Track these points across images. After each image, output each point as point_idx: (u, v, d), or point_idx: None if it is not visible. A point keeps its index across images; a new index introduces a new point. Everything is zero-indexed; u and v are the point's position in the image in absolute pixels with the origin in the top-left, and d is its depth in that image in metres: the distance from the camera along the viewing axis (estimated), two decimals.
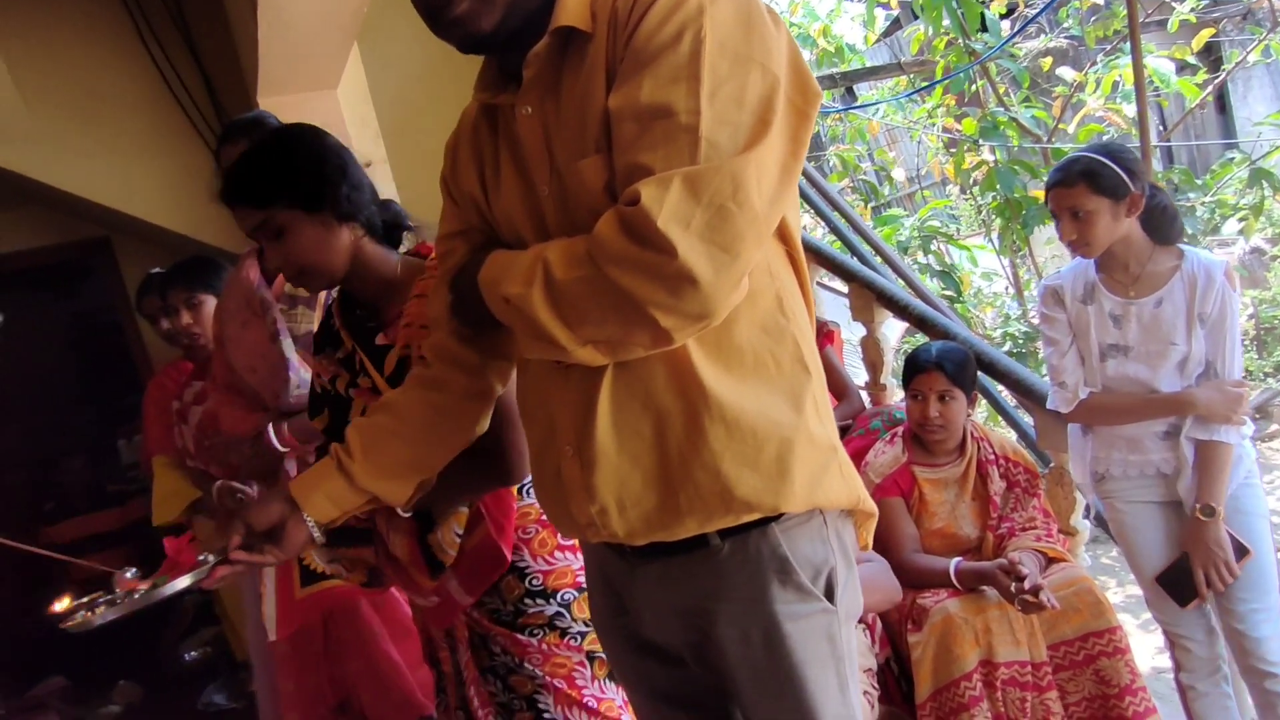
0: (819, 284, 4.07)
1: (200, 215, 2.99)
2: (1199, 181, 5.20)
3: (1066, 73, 5.09)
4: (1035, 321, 4.86)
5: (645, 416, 0.95)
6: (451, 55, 0.99)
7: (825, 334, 2.82)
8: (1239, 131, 7.56)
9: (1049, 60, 5.39)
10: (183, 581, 1.09)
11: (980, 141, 4.82)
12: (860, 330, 2.91)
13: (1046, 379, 2.14)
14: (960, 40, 4.67)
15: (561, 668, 1.37)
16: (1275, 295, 5.74)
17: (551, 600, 1.38)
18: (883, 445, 2.29)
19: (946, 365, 2.11)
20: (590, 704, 1.37)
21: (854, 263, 3.07)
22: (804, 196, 3.76)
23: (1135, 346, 1.93)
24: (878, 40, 7.49)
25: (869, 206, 6.12)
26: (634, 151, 0.85)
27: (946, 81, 4.95)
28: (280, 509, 1.13)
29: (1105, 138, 4.69)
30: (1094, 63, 5.05)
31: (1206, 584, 1.86)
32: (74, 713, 3.39)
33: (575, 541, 1.41)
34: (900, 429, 2.29)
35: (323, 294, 1.84)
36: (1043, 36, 5.50)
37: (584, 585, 1.36)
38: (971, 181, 5.17)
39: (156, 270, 2.69)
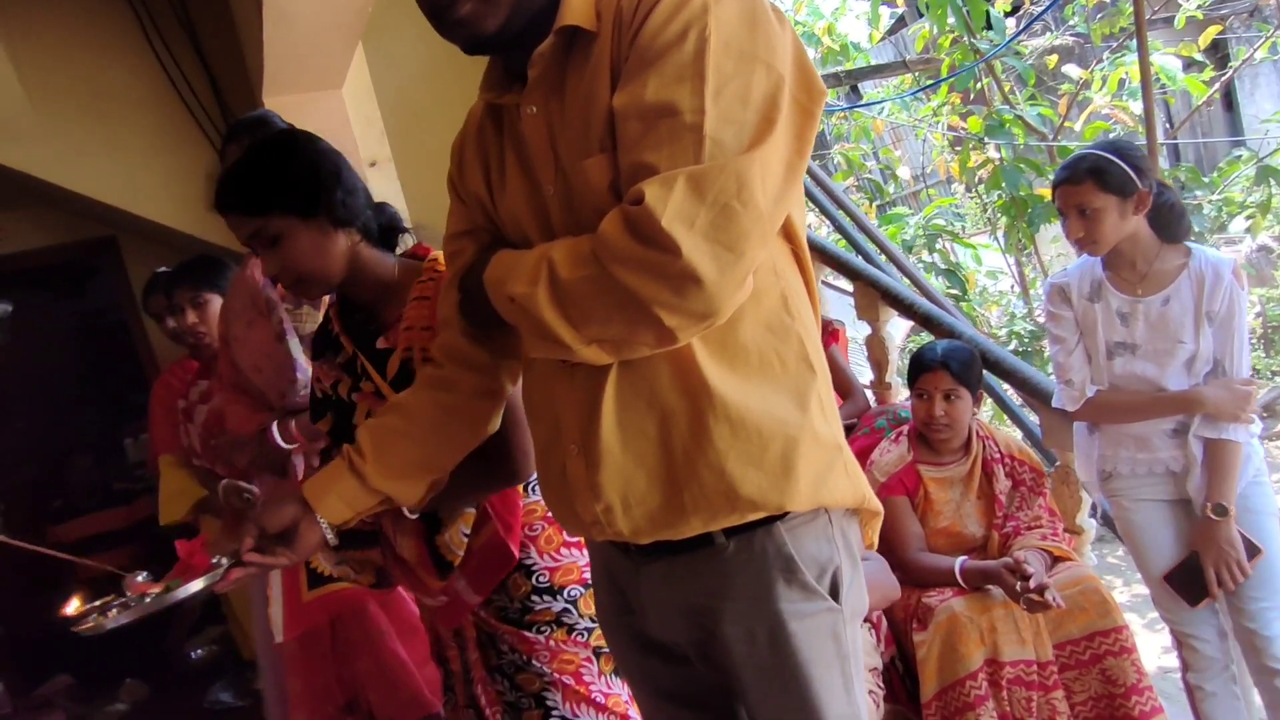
0: (824, 282, 4.06)
1: (206, 215, 3.00)
2: (1206, 179, 5.18)
3: (1072, 70, 5.08)
4: (1041, 320, 4.85)
5: (650, 415, 0.95)
6: (456, 54, 0.99)
7: (830, 333, 2.82)
8: (1246, 129, 7.53)
9: (1054, 58, 5.38)
10: (196, 585, 1.08)
11: (985, 139, 4.81)
12: (865, 329, 2.90)
13: (1052, 377, 2.13)
14: (965, 38, 4.66)
15: (569, 664, 1.37)
16: None
17: (558, 597, 1.38)
18: (888, 444, 2.28)
19: (952, 364, 2.11)
20: (598, 699, 1.37)
21: (859, 261, 3.06)
22: (809, 195, 3.76)
23: (1142, 344, 1.92)
24: (882, 38, 7.48)
25: (874, 205, 6.11)
26: (638, 150, 0.85)
27: (951, 79, 4.95)
28: (293, 511, 1.13)
29: (1111, 135, 4.67)
30: (1100, 60, 5.04)
31: (1218, 583, 1.85)
32: (80, 711, 3.40)
33: (581, 538, 1.41)
34: (905, 428, 2.29)
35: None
36: (1048, 34, 5.48)
37: (590, 581, 1.37)
38: (977, 180, 5.17)
39: (162, 269, 2.70)
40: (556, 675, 1.37)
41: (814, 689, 0.97)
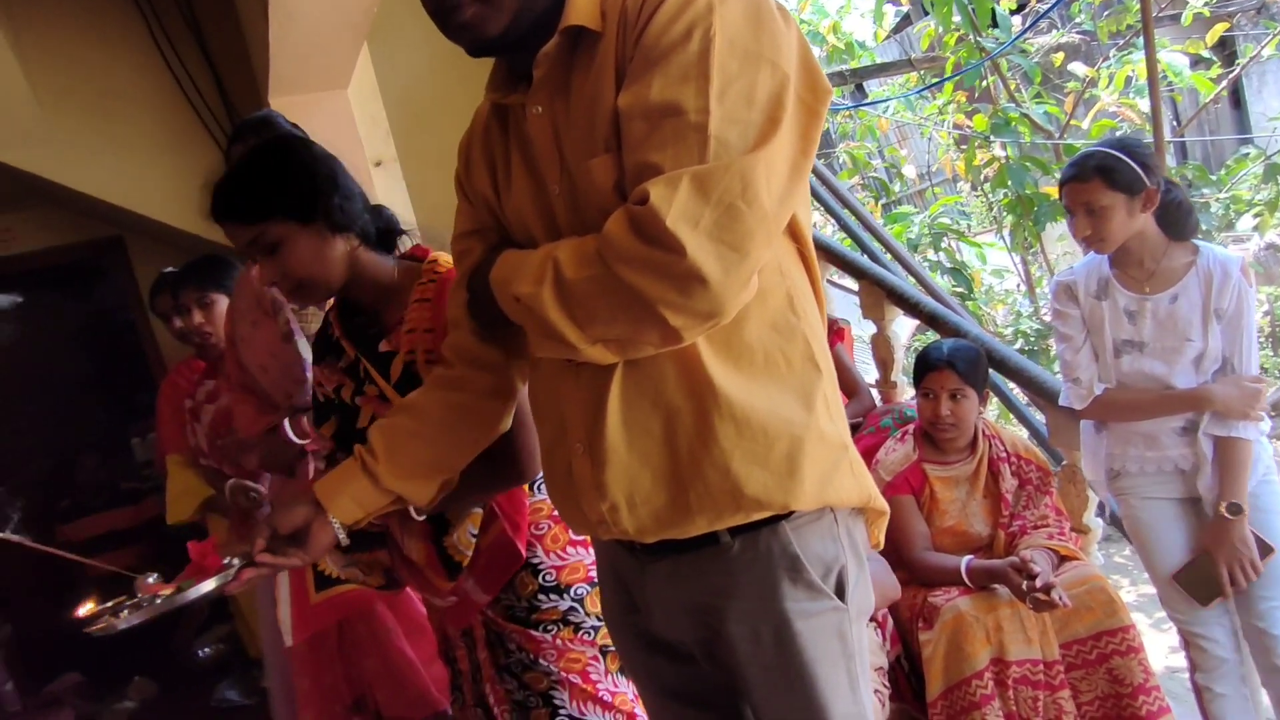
0: (829, 281, 4.05)
1: None
2: (1213, 177, 5.16)
3: (1078, 68, 5.06)
4: (1047, 318, 4.83)
5: (655, 414, 0.95)
6: (460, 54, 1.00)
7: (836, 331, 2.81)
8: (1254, 126, 7.49)
9: (1061, 56, 5.36)
10: (208, 585, 1.09)
11: (991, 138, 4.79)
12: (871, 328, 2.90)
13: (1059, 376, 2.12)
14: (971, 36, 4.65)
15: (576, 663, 1.38)
16: None
17: (565, 595, 1.39)
18: (893, 443, 2.28)
19: (958, 363, 2.10)
20: (605, 698, 1.38)
21: (864, 260, 3.06)
22: (814, 194, 3.76)
23: (1150, 342, 1.91)
24: (887, 37, 7.46)
25: (879, 204, 6.09)
26: (643, 150, 0.85)
27: (957, 78, 4.93)
28: (305, 512, 1.13)
29: (1119, 133, 4.65)
30: (1107, 58, 5.02)
31: (1230, 582, 1.84)
32: (89, 708, 3.42)
33: (587, 537, 1.41)
34: (911, 427, 2.28)
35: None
36: (1054, 32, 5.46)
37: (596, 579, 1.37)
38: (983, 178, 5.15)
39: (169, 269, 2.71)
40: (563, 674, 1.37)
41: (819, 688, 0.97)
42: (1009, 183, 4.61)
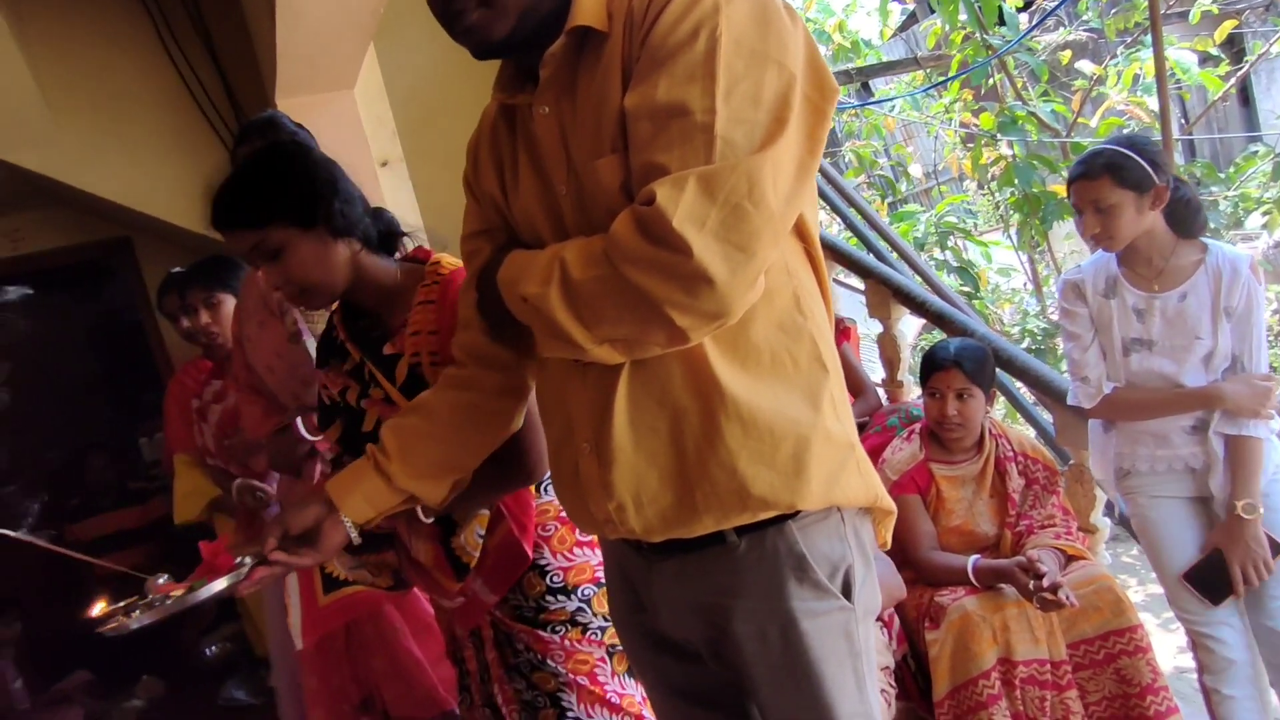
0: (835, 280, 4.05)
1: None
2: (1222, 175, 5.14)
3: (1086, 66, 5.04)
4: (1054, 317, 4.82)
5: (662, 414, 0.95)
6: (467, 54, 1.00)
7: (842, 331, 2.81)
8: (1262, 124, 7.44)
9: (1068, 53, 5.34)
10: (219, 584, 1.09)
11: (998, 136, 4.77)
12: (877, 327, 2.90)
13: (1066, 375, 2.12)
14: (977, 34, 4.63)
15: (584, 664, 1.38)
16: None
17: (572, 596, 1.39)
18: (900, 442, 2.27)
19: (965, 363, 2.10)
20: (613, 700, 1.38)
21: (871, 259, 3.05)
22: (820, 193, 3.74)
23: (1159, 341, 1.91)
24: (893, 35, 7.44)
25: (885, 202, 6.08)
26: (650, 151, 0.85)
27: (963, 76, 4.91)
28: (317, 511, 1.13)
29: (1126, 131, 4.63)
30: (1114, 55, 4.99)
31: (1243, 581, 1.84)
32: (98, 706, 3.43)
33: (594, 538, 1.42)
34: (917, 426, 2.28)
35: None
36: (1061, 29, 5.43)
37: (603, 580, 1.37)
38: (989, 177, 5.13)
39: (176, 270, 2.73)
40: (571, 676, 1.37)
41: (826, 687, 0.97)
42: (1015, 181, 4.60)
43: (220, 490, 2.50)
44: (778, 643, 0.97)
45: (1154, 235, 1.90)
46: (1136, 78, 4.68)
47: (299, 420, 1.81)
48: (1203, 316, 1.86)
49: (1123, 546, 3.82)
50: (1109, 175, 1.85)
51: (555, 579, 1.39)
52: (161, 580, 1.13)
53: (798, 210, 0.90)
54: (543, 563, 1.39)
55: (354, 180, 1.34)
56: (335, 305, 1.43)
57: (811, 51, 0.89)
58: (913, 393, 2.84)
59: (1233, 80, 5.12)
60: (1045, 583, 1.85)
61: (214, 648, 3.70)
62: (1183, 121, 6.28)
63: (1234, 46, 6.41)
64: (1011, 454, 2.18)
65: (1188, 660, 2.11)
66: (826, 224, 5.28)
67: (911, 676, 2.10)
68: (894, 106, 6.02)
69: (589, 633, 1.39)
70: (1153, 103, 4.46)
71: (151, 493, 4.22)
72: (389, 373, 1.31)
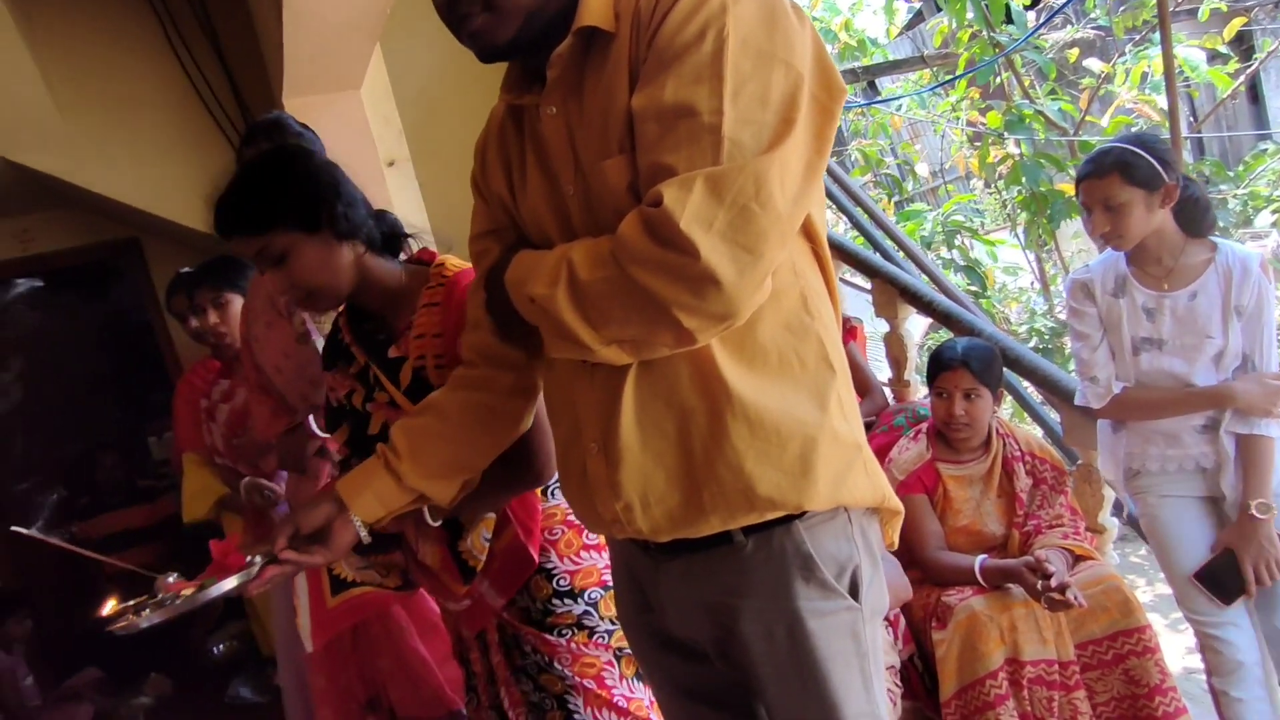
0: (842, 279, 4.04)
1: None
2: (1231, 173, 5.11)
3: (1094, 64, 5.01)
4: (1062, 316, 4.80)
5: (669, 414, 0.95)
6: (473, 55, 1.00)
7: (848, 330, 2.81)
8: (1272, 122, 7.40)
9: (1075, 51, 5.31)
10: (230, 583, 1.09)
11: (1005, 135, 4.75)
12: (884, 326, 2.89)
13: (1073, 375, 2.11)
14: (984, 32, 4.61)
15: (590, 668, 1.38)
16: None
17: (579, 600, 1.39)
18: (906, 442, 2.27)
19: (972, 363, 2.09)
20: (620, 703, 1.38)
21: (877, 258, 3.05)
22: (827, 192, 3.73)
23: (1169, 340, 1.90)
24: (900, 33, 7.41)
25: (892, 201, 6.06)
26: (657, 152, 0.85)
27: (970, 74, 4.89)
28: (327, 510, 1.14)
29: (1135, 129, 4.61)
30: (1122, 53, 4.97)
31: (1255, 580, 1.83)
32: (107, 703, 3.45)
33: (600, 540, 1.42)
34: (924, 425, 2.27)
35: None
36: (1069, 27, 5.41)
37: (609, 583, 1.37)
38: (996, 175, 5.11)
39: (185, 270, 2.74)
40: (578, 679, 1.37)
41: (832, 687, 0.97)
42: (1023, 180, 4.58)
43: (229, 489, 2.51)
44: (784, 642, 0.97)
45: (1163, 234, 1.89)
46: (1145, 75, 4.66)
47: (311, 418, 1.82)
48: (1213, 315, 1.86)
49: (1131, 546, 3.80)
50: (1118, 173, 1.84)
51: (562, 582, 1.39)
52: (171, 579, 1.13)
53: (805, 211, 0.90)
54: (549, 566, 1.39)
55: (360, 181, 1.34)
56: (343, 308, 1.43)
57: (819, 51, 0.89)
58: (919, 392, 2.83)
59: (1242, 78, 5.09)
60: (1053, 583, 1.84)
61: (221, 646, 3.72)
62: (1191, 119, 6.25)
63: (1243, 44, 6.37)
64: (1019, 453, 2.17)
65: (1196, 661, 2.10)
66: (833, 223, 5.27)
67: (918, 676, 2.09)
68: (900, 105, 6.00)
69: (596, 636, 1.39)
70: (1161, 101, 4.44)
71: (160, 491, 4.24)
72: (393, 376, 1.31)
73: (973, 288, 4.80)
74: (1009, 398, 3.15)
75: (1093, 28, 5.36)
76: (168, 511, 3.95)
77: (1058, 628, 1.94)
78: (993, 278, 5.48)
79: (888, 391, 2.85)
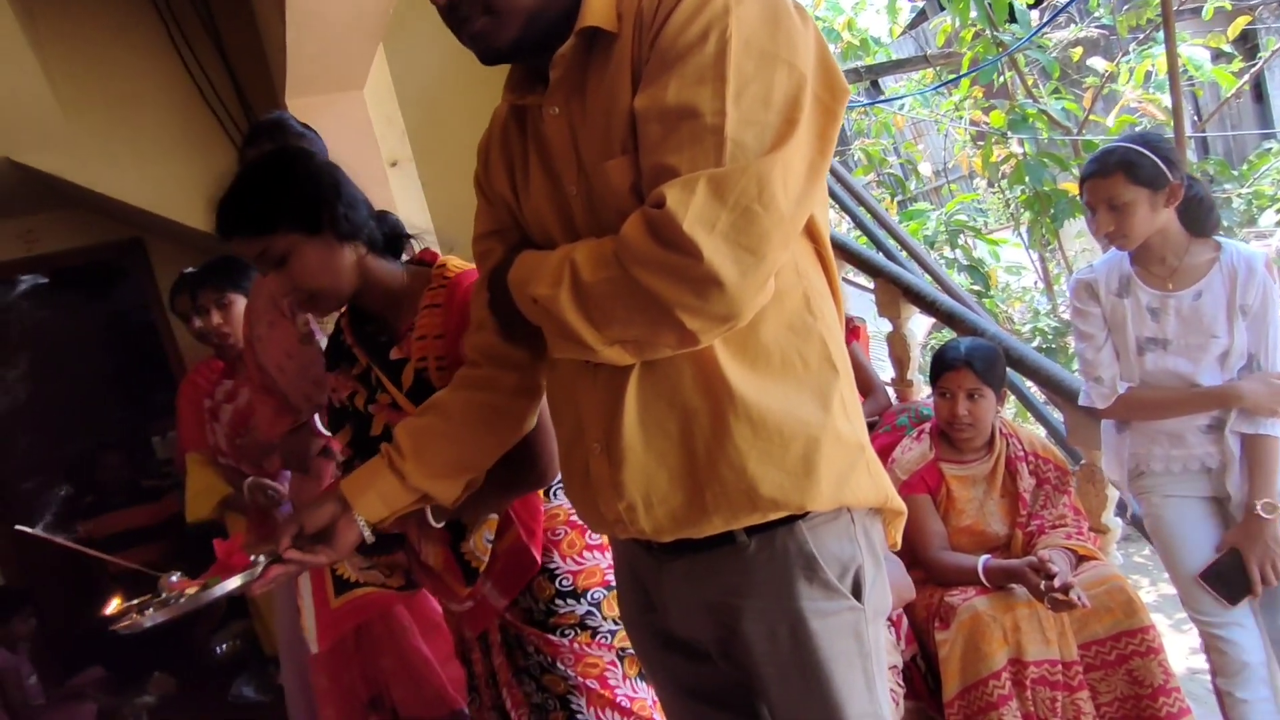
0: (845, 279, 4.03)
1: None
2: (1235, 172, 5.10)
3: (1097, 63, 5.00)
4: (1065, 316, 4.79)
5: (672, 415, 0.95)
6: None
7: (851, 329, 2.80)
8: (1276, 121, 7.38)
9: (1079, 50, 5.30)
10: (233, 582, 1.09)
11: (1008, 134, 4.75)
12: (886, 325, 2.88)
13: (1077, 374, 2.10)
14: (988, 31, 4.61)
15: (594, 668, 1.38)
16: None
17: (582, 600, 1.39)
18: (909, 442, 2.27)
19: (975, 363, 2.09)
20: (623, 704, 1.38)
21: (880, 258, 3.04)
22: (829, 192, 3.73)
23: (1174, 340, 1.90)
24: (903, 33, 7.40)
25: (895, 201, 6.05)
26: (660, 153, 0.85)
27: (974, 73, 4.88)
28: (331, 509, 1.14)
29: (1139, 129, 4.60)
30: (1126, 52, 4.96)
31: (1262, 580, 1.83)
32: (111, 702, 3.47)
33: (603, 540, 1.42)
34: (927, 425, 2.27)
35: None
36: (1073, 26, 5.40)
37: (612, 583, 1.37)
38: (1000, 175, 5.10)
39: (188, 270, 2.74)
40: (581, 679, 1.37)
41: (835, 687, 0.97)
42: (1026, 179, 4.58)
43: (232, 489, 2.52)
44: (787, 642, 0.97)
45: (1168, 233, 1.89)
46: (1149, 75, 4.65)
47: (316, 417, 1.82)
48: (1218, 315, 1.85)
49: (1134, 547, 3.80)
50: (1123, 173, 1.84)
51: (565, 583, 1.39)
52: (175, 578, 1.13)
53: (808, 211, 0.90)
54: (552, 566, 1.39)
55: (363, 181, 1.34)
56: (343, 309, 1.43)
57: (822, 51, 0.89)
58: (922, 392, 2.83)
59: (1246, 77, 5.08)
60: (1056, 583, 1.84)
61: (224, 645, 3.73)
62: (1196, 119, 6.24)
63: (1247, 43, 6.35)
64: (1022, 453, 2.17)
65: (1200, 662, 2.10)
66: (836, 222, 5.26)
67: (921, 677, 2.09)
68: (904, 104, 5.99)
69: (599, 636, 1.39)
70: (1165, 100, 4.42)
71: (164, 491, 4.25)
72: (395, 378, 1.31)
73: (976, 287, 4.80)
74: (1012, 398, 3.15)
75: (1096, 27, 5.36)
76: (171, 511, 3.96)
77: (1061, 628, 1.93)
78: (996, 277, 5.47)
79: (891, 391, 2.84)
